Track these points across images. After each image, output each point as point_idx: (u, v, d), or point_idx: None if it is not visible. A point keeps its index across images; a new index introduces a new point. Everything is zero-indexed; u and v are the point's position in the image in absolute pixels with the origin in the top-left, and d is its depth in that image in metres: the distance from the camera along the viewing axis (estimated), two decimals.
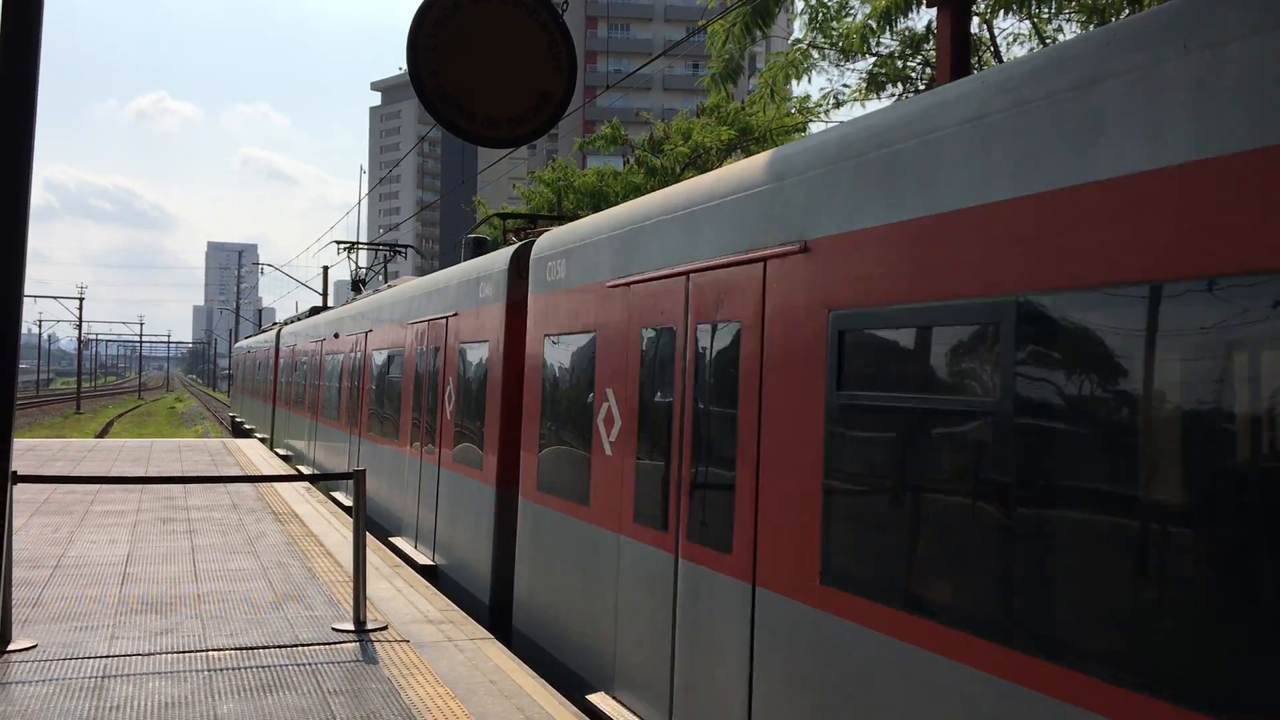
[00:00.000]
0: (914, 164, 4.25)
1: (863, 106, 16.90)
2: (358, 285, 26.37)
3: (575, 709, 6.39)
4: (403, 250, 28.27)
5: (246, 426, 35.75)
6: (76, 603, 8.64)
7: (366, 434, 15.06)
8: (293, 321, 29.02)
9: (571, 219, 10.05)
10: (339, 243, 28.26)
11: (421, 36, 6.00)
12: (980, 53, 15.40)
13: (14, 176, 5.11)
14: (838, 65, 16.85)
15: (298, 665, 7.10)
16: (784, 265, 5.03)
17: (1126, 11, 13.35)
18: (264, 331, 37.74)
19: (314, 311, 26.99)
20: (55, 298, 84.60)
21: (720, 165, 16.96)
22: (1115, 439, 3.28)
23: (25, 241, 5.37)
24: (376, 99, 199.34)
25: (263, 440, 28.25)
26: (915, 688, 4.01)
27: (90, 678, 6.67)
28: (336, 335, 18.07)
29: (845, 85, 17.56)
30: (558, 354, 7.99)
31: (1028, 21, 15.90)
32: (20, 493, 14.92)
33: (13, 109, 4.95)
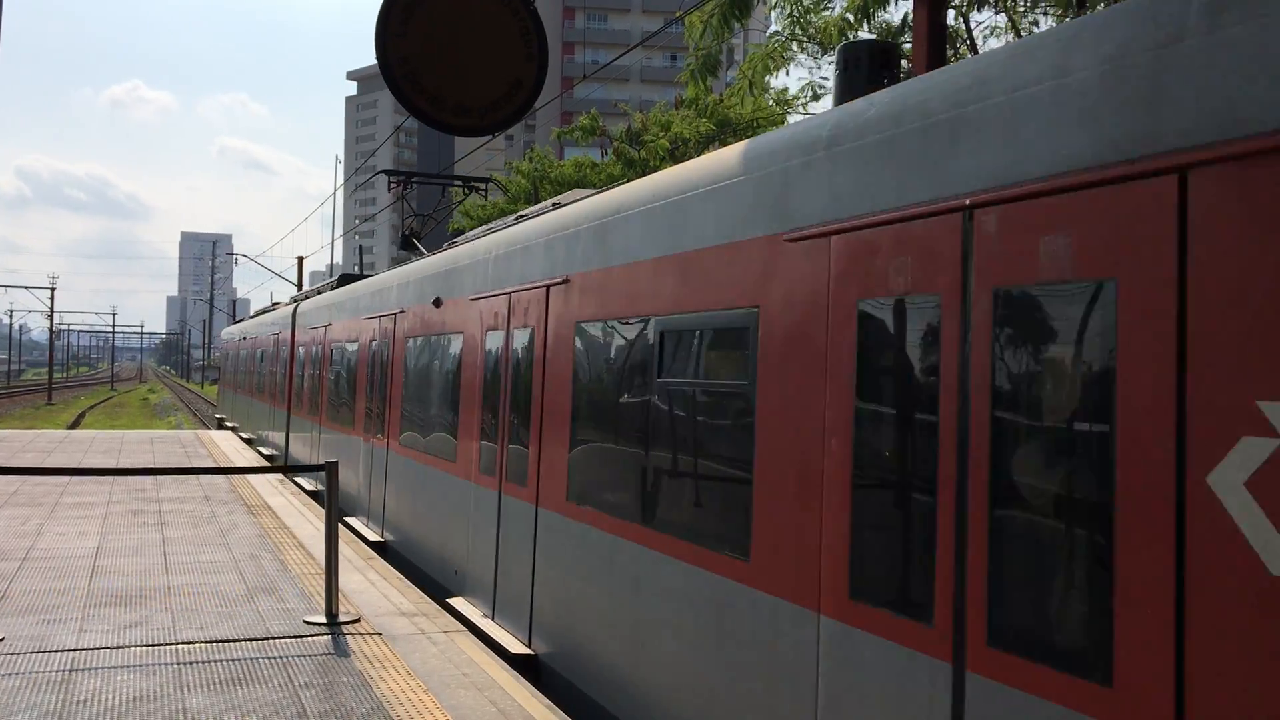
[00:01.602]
0: None
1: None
2: (410, 240, 18.27)
3: (547, 701, 6.37)
4: (481, 186, 19.98)
5: (244, 436, 27.36)
6: (45, 595, 8.54)
7: (558, 504, 7.30)
8: (313, 295, 21.43)
9: None
10: (387, 172, 19.92)
11: (390, 23, 5.93)
12: (957, 45, 15.44)
13: None
14: (815, 58, 16.89)
15: (269, 658, 7.05)
16: None
17: (1101, 4, 13.41)
18: (264, 313, 29.68)
19: (345, 280, 19.15)
20: (27, 288, 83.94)
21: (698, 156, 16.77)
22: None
23: None
24: (353, 88, 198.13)
25: (271, 459, 22.01)
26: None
27: (58, 671, 6.59)
28: (438, 303, 11.17)
29: (824, 78, 17.56)
30: None
31: (1004, 15, 15.98)
32: None
33: None
